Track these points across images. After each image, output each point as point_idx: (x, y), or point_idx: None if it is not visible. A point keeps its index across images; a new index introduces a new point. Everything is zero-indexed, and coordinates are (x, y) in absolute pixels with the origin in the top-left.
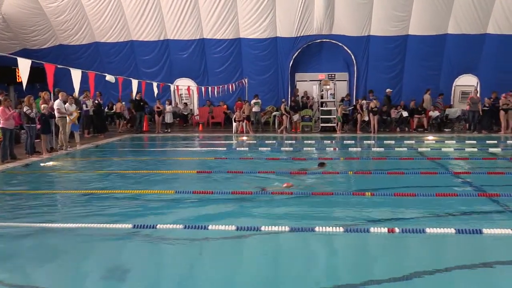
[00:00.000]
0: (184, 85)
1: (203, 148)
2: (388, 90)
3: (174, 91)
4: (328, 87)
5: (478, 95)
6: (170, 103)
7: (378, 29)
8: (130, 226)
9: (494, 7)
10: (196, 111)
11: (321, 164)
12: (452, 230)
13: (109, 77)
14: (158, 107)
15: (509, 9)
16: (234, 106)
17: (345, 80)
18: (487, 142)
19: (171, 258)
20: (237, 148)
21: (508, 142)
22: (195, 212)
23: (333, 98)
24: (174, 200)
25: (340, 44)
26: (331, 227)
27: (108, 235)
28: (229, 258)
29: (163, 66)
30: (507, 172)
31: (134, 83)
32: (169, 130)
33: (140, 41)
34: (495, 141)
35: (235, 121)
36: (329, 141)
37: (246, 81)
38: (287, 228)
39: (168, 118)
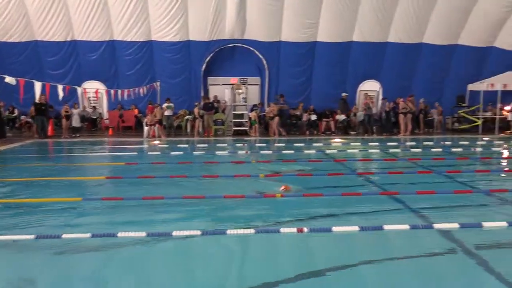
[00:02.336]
0: (92, 88)
1: (113, 153)
2: (344, 94)
3: (81, 94)
4: (240, 91)
5: (372, 100)
6: (78, 107)
7: (288, 35)
8: (32, 236)
9: (394, 17)
10: (105, 115)
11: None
12: (356, 228)
13: (9, 79)
14: (66, 111)
15: (408, 19)
16: (145, 109)
17: (257, 85)
18: (388, 143)
19: (77, 268)
20: (149, 153)
21: (407, 143)
22: (104, 219)
23: (245, 102)
24: (81, 208)
25: (252, 49)
26: (242, 229)
27: (8, 247)
28: (140, 265)
29: (70, 68)
30: (405, 172)
31: (37, 85)
32: (77, 135)
33: (45, 41)
34: (395, 143)
35: (146, 125)
36: (241, 144)
37: (158, 85)
38: (198, 232)
39: (76, 122)
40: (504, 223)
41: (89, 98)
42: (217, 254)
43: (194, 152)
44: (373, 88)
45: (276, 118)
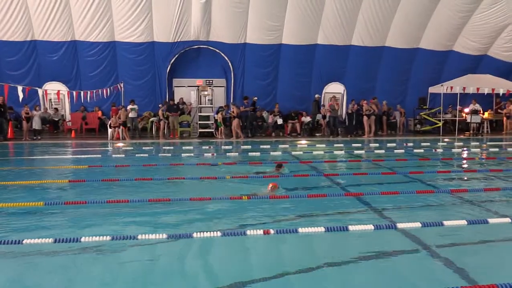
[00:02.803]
0: (53, 89)
1: (76, 156)
2: (316, 95)
3: (42, 95)
4: (206, 93)
5: (337, 102)
6: (39, 109)
7: (253, 37)
8: None
9: (357, 21)
10: (68, 117)
11: (279, 166)
12: (322, 229)
13: None
14: (27, 113)
15: (370, 23)
16: (109, 111)
17: (223, 86)
18: (353, 145)
19: (39, 275)
20: (113, 155)
21: (371, 145)
22: (67, 224)
23: (211, 104)
24: (43, 212)
25: (217, 50)
26: (209, 232)
27: None
28: (105, 270)
29: (30, 68)
30: (369, 173)
31: None
32: (39, 137)
33: (4, 41)
34: (360, 144)
35: (110, 127)
36: (207, 146)
37: (122, 86)
38: (164, 236)
39: (37, 125)
40: (464, 222)
41: (50, 99)
42: (183, 258)
43: (160, 154)
44: (337, 90)
45: (236, 120)
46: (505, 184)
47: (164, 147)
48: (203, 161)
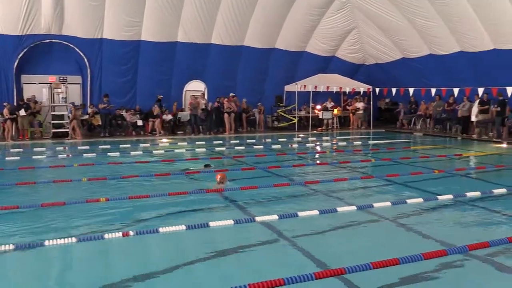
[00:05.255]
0: None
1: None
2: (159, 96)
3: None
4: (59, 90)
5: (197, 100)
6: None
7: (111, 33)
8: None
9: (216, 20)
10: None
11: (207, 166)
12: (183, 227)
13: None
14: None
15: (229, 23)
16: None
17: (79, 84)
18: (214, 142)
19: None
20: None
21: (232, 142)
22: None
23: (65, 102)
24: None
25: (71, 45)
26: (63, 239)
27: None
28: None
29: None
30: (230, 169)
31: None
32: None
33: None
34: (221, 141)
35: None
36: (61, 148)
37: None
38: (11, 247)
39: None
40: (316, 212)
41: None
42: (36, 269)
43: (6, 158)
44: (198, 88)
45: (74, 122)
46: (352, 174)
47: (12, 150)
48: (56, 164)
